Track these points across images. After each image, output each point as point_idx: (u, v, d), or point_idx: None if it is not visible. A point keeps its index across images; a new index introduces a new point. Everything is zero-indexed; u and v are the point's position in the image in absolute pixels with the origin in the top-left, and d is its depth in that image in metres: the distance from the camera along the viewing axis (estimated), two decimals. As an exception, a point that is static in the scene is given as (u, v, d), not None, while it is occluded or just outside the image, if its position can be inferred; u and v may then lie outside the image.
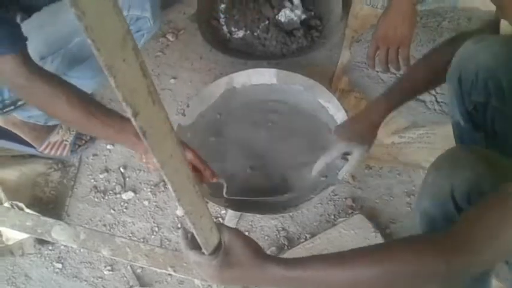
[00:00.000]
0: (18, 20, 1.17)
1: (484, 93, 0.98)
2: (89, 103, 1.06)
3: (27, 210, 1.28)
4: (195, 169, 1.13)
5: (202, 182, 1.16)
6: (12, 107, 1.23)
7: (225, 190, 1.25)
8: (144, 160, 1.16)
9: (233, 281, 0.75)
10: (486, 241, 0.66)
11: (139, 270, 1.30)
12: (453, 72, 1.02)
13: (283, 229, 1.35)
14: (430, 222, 0.90)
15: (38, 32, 1.12)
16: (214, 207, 1.36)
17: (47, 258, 1.34)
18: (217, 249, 0.72)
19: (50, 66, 1.23)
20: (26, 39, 1.02)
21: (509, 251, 0.67)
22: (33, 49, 1.06)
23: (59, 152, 1.48)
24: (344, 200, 1.38)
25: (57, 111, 1.06)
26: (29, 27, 1.06)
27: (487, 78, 0.96)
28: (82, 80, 1.38)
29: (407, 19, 1.22)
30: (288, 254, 1.27)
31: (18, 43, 1.01)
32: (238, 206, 1.29)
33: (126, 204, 1.42)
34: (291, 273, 0.70)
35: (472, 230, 0.67)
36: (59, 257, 1.34)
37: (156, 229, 1.38)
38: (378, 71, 1.46)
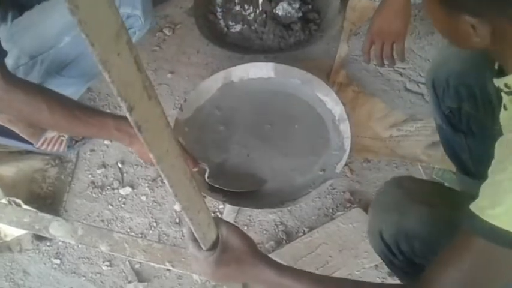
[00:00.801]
0: (9, 17, 1.15)
1: (456, 99, 1.00)
2: (70, 107, 1.05)
3: (25, 206, 1.28)
4: None
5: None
6: None
7: (207, 175, 1.26)
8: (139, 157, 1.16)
9: (227, 278, 0.76)
10: None
11: (137, 266, 1.30)
12: (428, 78, 1.05)
13: (282, 223, 1.35)
14: (377, 254, 0.98)
15: (28, 31, 1.11)
16: (212, 202, 1.36)
17: (45, 254, 1.34)
18: (215, 245, 0.72)
19: (40, 67, 1.23)
20: (5, 53, 1.01)
21: None
22: (24, 49, 1.05)
23: (55, 148, 1.47)
24: (342, 193, 1.38)
25: (39, 119, 1.05)
26: (20, 26, 1.05)
27: (458, 85, 0.98)
28: (73, 79, 1.38)
29: (401, 14, 1.22)
30: (287, 249, 1.27)
31: None
32: (237, 200, 1.29)
33: (123, 200, 1.42)
34: (283, 280, 0.73)
35: (440, 281, 0.66)
36: (57, 253, 1.34)
37: (154, 224, 1.37)
38: (375, 64, 1.46)
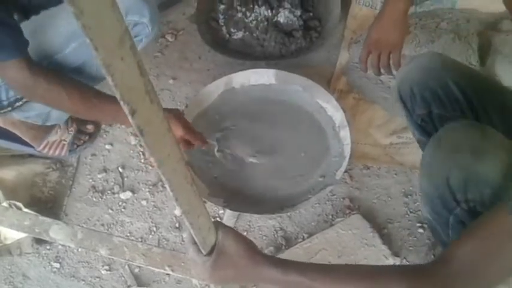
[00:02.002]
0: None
1: (423, 105, 1.03)
2: (88, 94, 1.14)
3: (25, 210, 1.28)
4: (187, 141, 1.25)
5: (193, 147, 1.28)
6: (9, 108, 1.23)
7: (216, 149, 1.37)
8: None
9: (225, 281, 0.76)
10: (477, 275, 0.65)
11: (137, 270, 1.30)
12: (395, 95, 1.09)
13: (281, 229, 1.35)
14: (428, 202, 0.90)
15: (34, 36, 1.12)
16: (212, 207, 1.36)
17: (45, 257, 1.34)
18: (213, 249, 0.72)
19: None
20: (27, 42, 1.06)
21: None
22: (30, 54, 1.07)
23: (57, 152, 1.48)
24: (342, 200, 1.38)
25: (60, 105, 1.16)
26: (26, 30, 1.07)
27: (421, 91, 1.02)
28: None
29: (398, 25, 1.24)
30: (286, 254, 1.27)
31: (21, 47, 1.05)
32: (237, 205, 1.29)
33: (124, 204, 1.42)
34: (286, 277, 0.72)
35: (463, 262, 0.66)
36: (56, 257, 1.34)
37: (154, 229, 1.38)
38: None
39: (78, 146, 1.50)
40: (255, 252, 0.74)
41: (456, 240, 0.69)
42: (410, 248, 1.27)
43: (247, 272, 0.73)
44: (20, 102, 1.22)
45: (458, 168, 0.81)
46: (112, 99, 1.14)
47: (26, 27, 1.10)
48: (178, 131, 1.21)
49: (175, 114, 1.23)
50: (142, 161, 1.50)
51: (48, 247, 1.35)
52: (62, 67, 1.22)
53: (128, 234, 1.37)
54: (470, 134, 0.82)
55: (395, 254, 1.25)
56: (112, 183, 1.46)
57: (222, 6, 1.76)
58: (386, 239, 1.28)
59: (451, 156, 0.82)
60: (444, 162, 0.84)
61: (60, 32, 1.18)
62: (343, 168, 1.31)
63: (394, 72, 1.36)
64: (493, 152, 0.79)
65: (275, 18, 1.69)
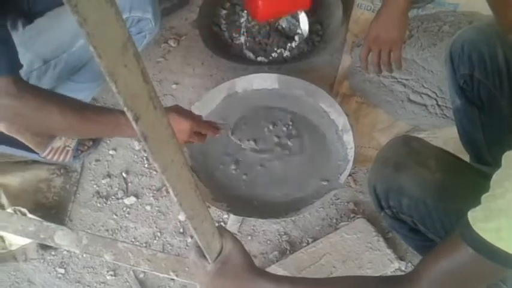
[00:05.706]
0: (19, 25, 1.17)
1: (468, 65, 1.05)
2: (80, 108, 1.05)
3: (30, 216, 1.29)
4: (198, 133, 1.19)
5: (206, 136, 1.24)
6: None
7: (230, 132, 1.41)
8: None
9: None
10: None
11: (141, 275, 1.31)
12: (447, 52, 1.11)
13: (285, 233, 1.35)
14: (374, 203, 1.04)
15: (41, 36, 1.12)
16: (216, 212, 1.36)
17: (50, 263, 1.34)
18: (218, 257, 0.72)
19: (53, 72, 1.24)
20: (21, 66, 1.01)
21: None
22: (37, 53, 1.07)
23: (61, 158, 1.48)
24: (346, 204, 1.38)
25: (51, 124, 1.05)
26: (33, 32, 1.07)
27: (470, 51, 1.03)
28: (85, 84, 1.39)
29: (398, 22, 1.24)
30: (291, 259, 1.27)
31: (11, 64, 1.00)
32: (240, 210, 1.29)
33: (128, 209, 1.43)
34: None
35: (428, 274, 0.68)
36: (61, 262, 1.34)
37: (159, 234, 1.38)
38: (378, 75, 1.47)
39: (82, 151, 1.51)
40: (255, 267, 0.75)
41: (425, 259, 0.70)
42: (415, 252, 1.27)
43: (246, 285, 0.74)
44: None
45: (382, 178, 0.96)
46: (108, 111, 1.07)
47: (32, 29, 1.09)
48: (187, 125, 1.13)
49: (177, 110, 1.14)
50: (146, 166, 1.50)
51: (53, 253, 1.35)
52: (69, 66, 1.23)
53: (133, 240, 1.37)
54: (397, 151, 0.96)
55: (401, 258, 1.25)
56: (116, 189, 1.47)
57: (224, 12, 1.76)
58: (391, 243, 1.28)
59: (379, 169, 0.98)
60: (373, 173, 1.00)
61: (66, 30, 1.18)
62: (347, 172, 1.31)
63: (395, 71, 1.35)
64: (412, 167, 0.92)
65: (277, 23, 1.69)
